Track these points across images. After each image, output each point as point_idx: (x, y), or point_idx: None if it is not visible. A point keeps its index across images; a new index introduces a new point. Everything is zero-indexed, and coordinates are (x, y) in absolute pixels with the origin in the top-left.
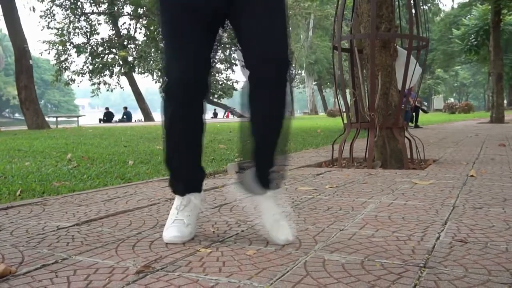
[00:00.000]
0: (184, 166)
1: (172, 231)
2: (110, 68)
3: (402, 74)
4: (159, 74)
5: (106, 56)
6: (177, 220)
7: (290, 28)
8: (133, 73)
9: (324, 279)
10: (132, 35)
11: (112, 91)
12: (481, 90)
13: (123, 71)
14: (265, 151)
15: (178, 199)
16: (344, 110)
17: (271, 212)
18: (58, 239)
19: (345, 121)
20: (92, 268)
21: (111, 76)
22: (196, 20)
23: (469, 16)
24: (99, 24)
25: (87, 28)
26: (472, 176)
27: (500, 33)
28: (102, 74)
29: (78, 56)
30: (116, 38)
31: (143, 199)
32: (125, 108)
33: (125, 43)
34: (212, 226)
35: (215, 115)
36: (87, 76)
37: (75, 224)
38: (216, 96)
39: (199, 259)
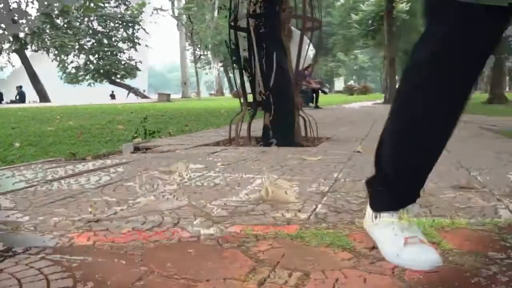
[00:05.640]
0: (415, 177)
1: (422, 254)
2: None
3: (296, 54)
4: (56, 52)
5: None
6: (413, 238)
7: (196, 8)
8: (26, 51)
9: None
10: (24, 9)
11: (2, 69)
12: (378, 73)
13: (13, 48)
14: None
15: (390, 214)
16: (240, 90)
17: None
18: None
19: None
20: None
21: (0, 53)
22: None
23: (366, 2)
24: None
25: None
26: (358, 152)
27: (394, 20)
28: None
29: None
30: (5, 12)
31: (20, 181)
32: (20, 87)
33: (16, 17)
34: (91, 206)
35: (112, 96)
36: None
37: None
38: (118, 76)
39: (68, 240)
